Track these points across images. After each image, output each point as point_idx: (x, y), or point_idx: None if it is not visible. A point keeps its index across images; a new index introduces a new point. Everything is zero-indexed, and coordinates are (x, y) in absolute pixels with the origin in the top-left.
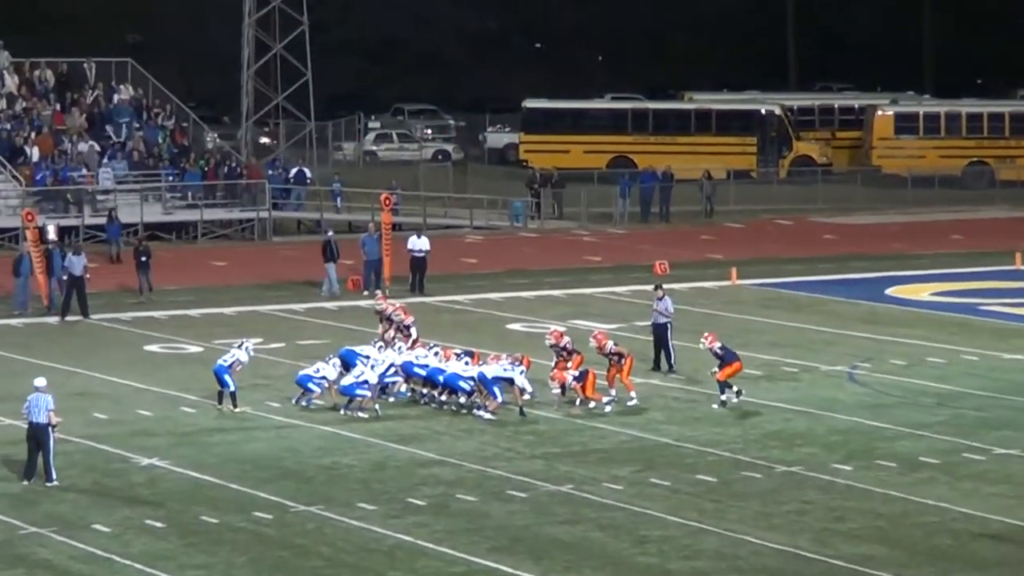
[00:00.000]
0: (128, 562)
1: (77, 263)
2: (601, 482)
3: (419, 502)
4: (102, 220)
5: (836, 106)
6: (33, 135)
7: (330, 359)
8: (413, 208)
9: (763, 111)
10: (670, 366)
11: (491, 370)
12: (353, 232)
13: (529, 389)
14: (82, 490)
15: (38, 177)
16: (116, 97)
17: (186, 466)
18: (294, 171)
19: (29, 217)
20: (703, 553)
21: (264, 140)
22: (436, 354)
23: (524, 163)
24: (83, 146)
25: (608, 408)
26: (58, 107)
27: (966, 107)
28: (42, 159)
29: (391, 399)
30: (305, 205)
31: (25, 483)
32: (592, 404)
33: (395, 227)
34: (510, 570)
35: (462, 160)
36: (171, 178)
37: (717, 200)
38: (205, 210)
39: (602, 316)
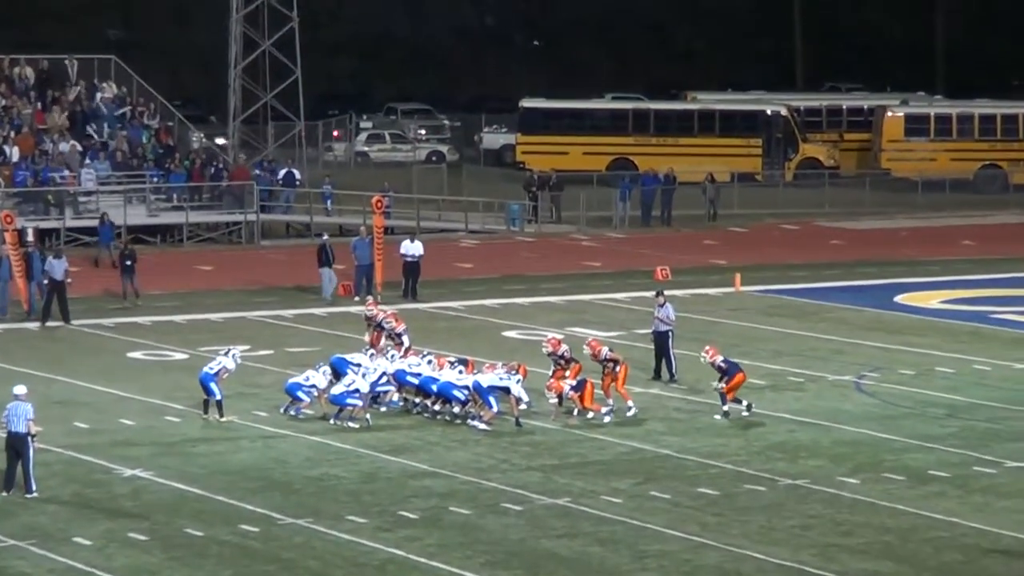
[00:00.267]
0: None
1: (58, 267)
2: (600, 495)
3: (411, 515)
4: (83, 223)
5: (844, 107)
6: (12, 134)
7: (320, 367)
8: (406, 211)
9: (768, 112)
10: (671, 375)
11: (487, 379)
12: (344, 236)
13: (526, 399)
14: (63, 502)
15: (18, 178)
16: (99, 95)
17: (170, 477)
18: (283, 172)
19: (8, 219)
20: (704, 569)
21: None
22: (429, 362)
23: (521, 165)
24: (64, 146)
25: (607, 419)
26: (39, 105)
27: (979, 108)
28: (22, 159)
29: (383, 408)
30: (294, 207)
31: (4, 494)
32: (590, 414)
33: (387, 231)
34: None
35: (457, 162)
36: (156, 179)
37: (721, 204)
38: (191, 212)
39: (601, 323)
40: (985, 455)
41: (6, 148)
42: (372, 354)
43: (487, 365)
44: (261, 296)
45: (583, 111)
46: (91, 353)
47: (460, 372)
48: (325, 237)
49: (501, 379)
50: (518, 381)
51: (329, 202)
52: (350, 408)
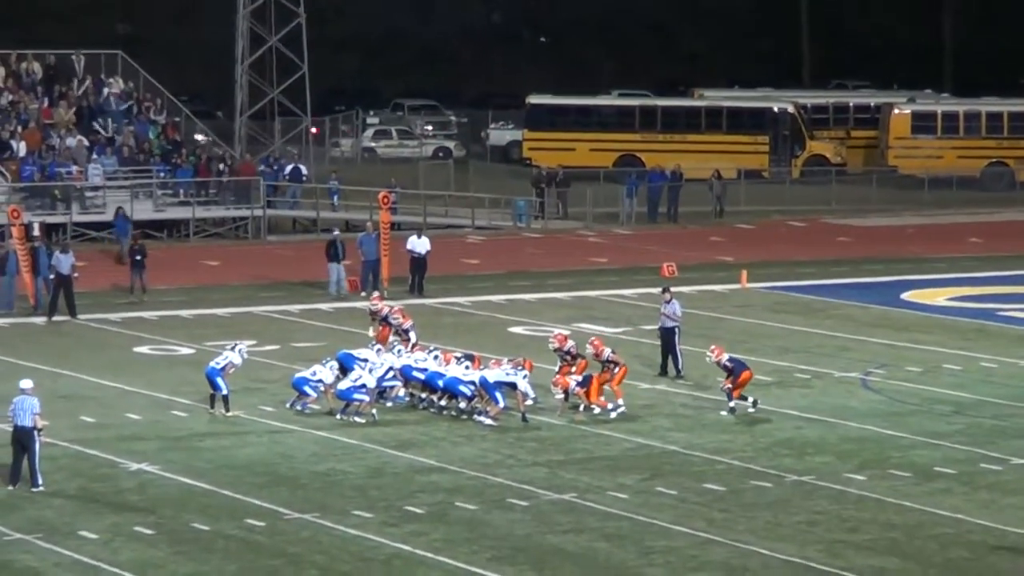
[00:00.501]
0: (116, 570)
1: (65, 261)
2: (606, 490)
3: (417, 510)
4: (90, 218)
5: (851, 104)
6: (20, 129)
7: (327, 362)
8: (413, 207)
9: (776, 109)
10: (678, 371)
11: (493, 374)
12: (351, 231)
13: (532, 394)
14: (69, 496)
15: (25, 173)
16: (106, 91)
17: (176, 471)
18: (289, 168)
19: (15, 214)
20: (711, 564)
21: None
22: (436, 358)
23: (528, 161)
24: (71, 141)
25: (613, 415)
26: (46, 101)
27: (986, 106)
28: (29, 154)
29: (389, 404)
30: (301, 203)
31: (10, 488)
32: (596, 410)
33: (394, 227)
34: None
35: (464, 158)
36: (162, 174)
37: (727, 200)
38: (197, 208)
39: (607, 319)
40: (991, 452)
41: (13, 143)
42: (379, 349)
43: (493, 361)
44: (267, 291)
45: (590, 107)
46: (97, 348)
47: (466, 367)
48: (336, 232)
49: (507, 375)
50: (524, 377)
51: (336, 198)
52: (356, 403)
